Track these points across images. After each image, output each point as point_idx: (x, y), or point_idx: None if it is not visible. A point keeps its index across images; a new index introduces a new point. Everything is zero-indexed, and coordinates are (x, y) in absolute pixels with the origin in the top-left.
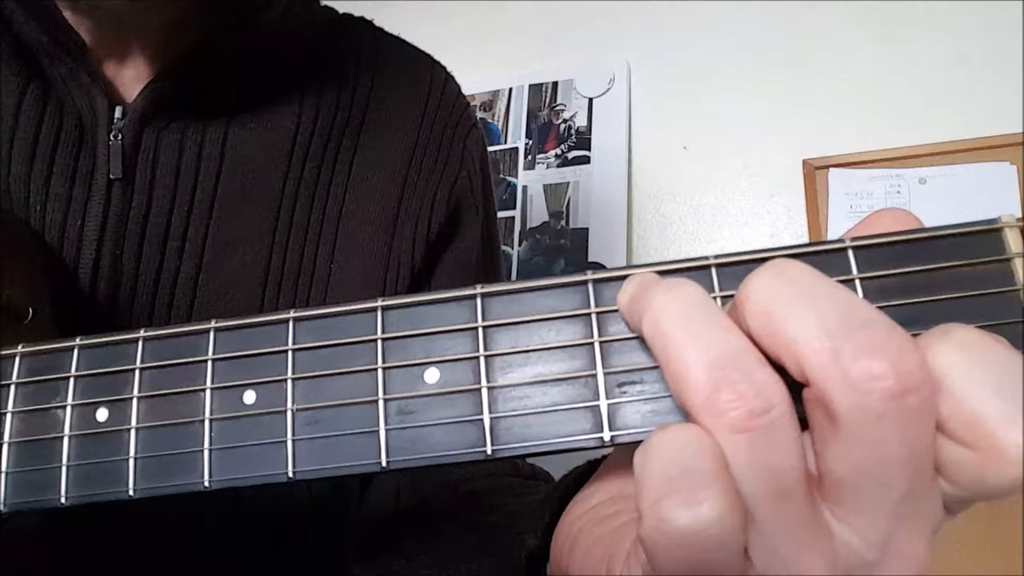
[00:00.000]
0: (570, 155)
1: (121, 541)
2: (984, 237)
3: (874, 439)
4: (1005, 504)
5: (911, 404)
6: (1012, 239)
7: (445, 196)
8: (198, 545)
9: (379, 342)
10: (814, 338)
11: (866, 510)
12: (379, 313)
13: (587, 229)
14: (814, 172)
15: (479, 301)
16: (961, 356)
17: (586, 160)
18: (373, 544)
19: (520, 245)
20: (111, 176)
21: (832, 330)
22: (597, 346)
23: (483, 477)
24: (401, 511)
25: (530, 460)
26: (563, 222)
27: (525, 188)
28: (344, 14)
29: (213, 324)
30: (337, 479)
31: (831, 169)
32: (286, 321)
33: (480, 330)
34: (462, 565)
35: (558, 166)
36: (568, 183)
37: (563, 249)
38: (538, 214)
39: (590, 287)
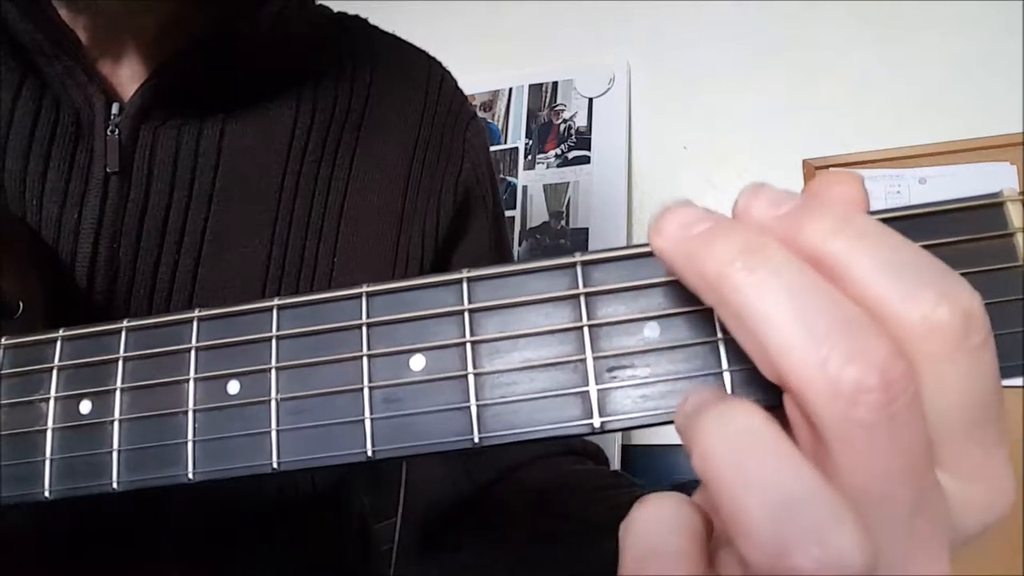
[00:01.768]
0: (570, 155)
1: (120, 540)
2: (986, 212)
3: (866, 453)
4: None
5: (899, 410)
6: (1014, 213)
7: (451, 190)
8: (198, 544)
9: (364, 328)
10: (799, 346)
11: (876, 532)
12: (364, 299)
13: (587, 229)
14: (814, 172)
15: (465, 285)
16: (853, 243)
17: (586, 160)
18: (434, 536)
19: (520, 245)
20: (108, 170)
21: (820, 336)
22: (586, 330)
23: (542, 463)
24: (462, 503)
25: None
26: (563, 222)
27: (525, 188)
28: (340, 12)
29: (196, 313)
30: (327, 469)
31: (831, 169)
32: (270, 309)
33: (466, 315)
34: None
35: (558, 166)
36: (568, 183)
37: (563, 249)
38: (538, 214)
39: (578, 269)
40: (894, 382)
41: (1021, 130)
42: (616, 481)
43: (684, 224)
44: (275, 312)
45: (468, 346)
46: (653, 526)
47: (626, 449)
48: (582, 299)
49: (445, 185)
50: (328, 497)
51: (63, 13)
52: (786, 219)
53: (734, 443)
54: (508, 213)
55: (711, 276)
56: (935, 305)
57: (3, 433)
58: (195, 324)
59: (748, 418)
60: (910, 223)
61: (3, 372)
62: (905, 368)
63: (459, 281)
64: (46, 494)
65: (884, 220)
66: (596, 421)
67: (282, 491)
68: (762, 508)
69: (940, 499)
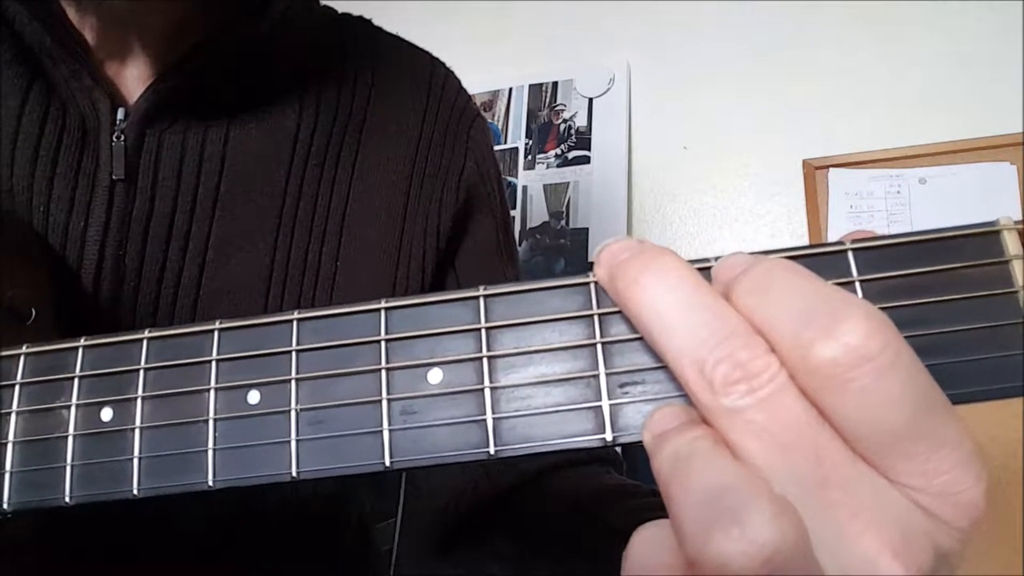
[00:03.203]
0: (570, 155)
1: (124, 543)
2: (983, 239)
3: (750, 432)
4: (1005, 504)
5: (769, 394)
6: (1010, 241)
7: (453, 189)
8: (197, 545)
9: (383, 343)
10: (686, 351)
11: (798, 509)
12: (383, 314)
13: (587, 229)
14: (814, 172)
15: (482, 302)
16: (759, 296)
17: (586, 160)
18: (457, 538)
19: (520, 245)
20: (114, 177)
21: (700, 343)
22: (599, 347)
23: (571, 471)
24: (481, 502)
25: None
26: (563, 222)
27: (525, 188)
28: (343, 14)
29: (218, 325)
30: (341, 479)
31: (831, 169)
32: (290, 322)
33: (483, 331)
34: None
35: (558, 166)
36: (568, 183)
37: (563, 249)
38: (538, 214)
39: (592, 288)
40: (757, 374)
41: (1021, 130)
42: (658, 501)
43: (613, 255)
44: (295, 325)
45: (484, 360)
46: (645, 547)
47: (626, 449)
48: (596, 318)
49: (448, 184)
50: (328, 498)
51: (70, 13)
52: (731, 282)
53: (677, 459)
54: None
55: (623, 294)
56: (815, 344)
57: (25, 439)
58: (216, 335)
59: (692, 438)
60: (908, 249)
61: (25, 379)
62: (769, 362)
63: (476, 298)
64: (66, 499)
65: (884, 246)
66: (608, 435)
67: (282, 493)
68: (693, 504)
69: (866, 479)
